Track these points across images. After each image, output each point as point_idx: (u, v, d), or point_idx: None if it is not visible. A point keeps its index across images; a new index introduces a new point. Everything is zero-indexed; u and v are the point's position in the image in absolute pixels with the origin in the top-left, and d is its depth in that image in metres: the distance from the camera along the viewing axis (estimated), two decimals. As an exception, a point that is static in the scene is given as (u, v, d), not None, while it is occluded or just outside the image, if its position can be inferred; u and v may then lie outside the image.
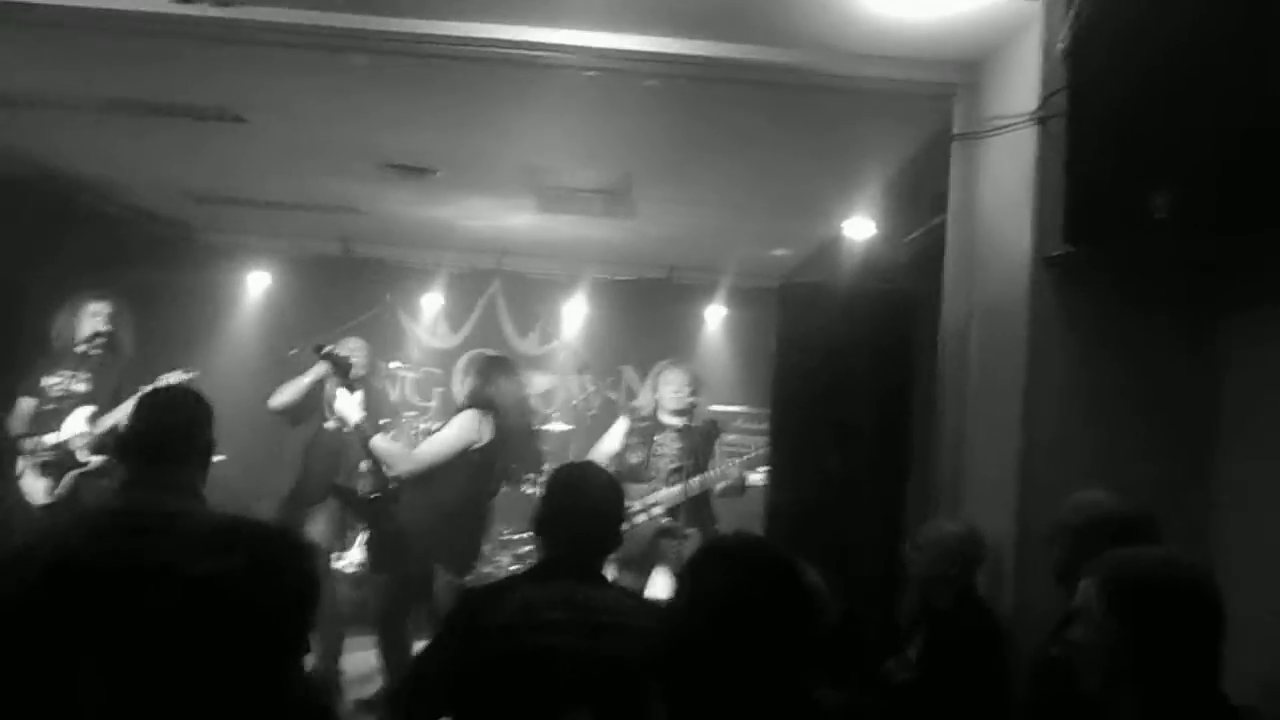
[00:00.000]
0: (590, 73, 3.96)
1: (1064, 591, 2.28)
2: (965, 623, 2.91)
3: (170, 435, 2.41)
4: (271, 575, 1.63)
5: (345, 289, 7.70)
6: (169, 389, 2.55)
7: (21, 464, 4.82)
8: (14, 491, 4.79)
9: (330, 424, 5.19)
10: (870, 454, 3.42)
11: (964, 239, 3.64)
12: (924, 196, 4.79)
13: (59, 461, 4.82)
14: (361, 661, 5.17)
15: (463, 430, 4.57)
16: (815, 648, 1.73)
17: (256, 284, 8.09)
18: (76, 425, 4.87)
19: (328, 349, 4.79)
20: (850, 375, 3.44)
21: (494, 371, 4.75)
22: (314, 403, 5.29)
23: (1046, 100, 3.01)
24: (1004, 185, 3.34)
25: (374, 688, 4.91)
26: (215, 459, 2.52)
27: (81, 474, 4.84)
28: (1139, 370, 3.03)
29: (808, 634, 1.67)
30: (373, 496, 4.83)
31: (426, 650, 2.43)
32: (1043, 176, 3.02)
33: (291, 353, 4.87)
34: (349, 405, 4.59)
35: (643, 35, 3.66)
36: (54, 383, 4.93)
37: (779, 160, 5.00)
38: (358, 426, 4.58)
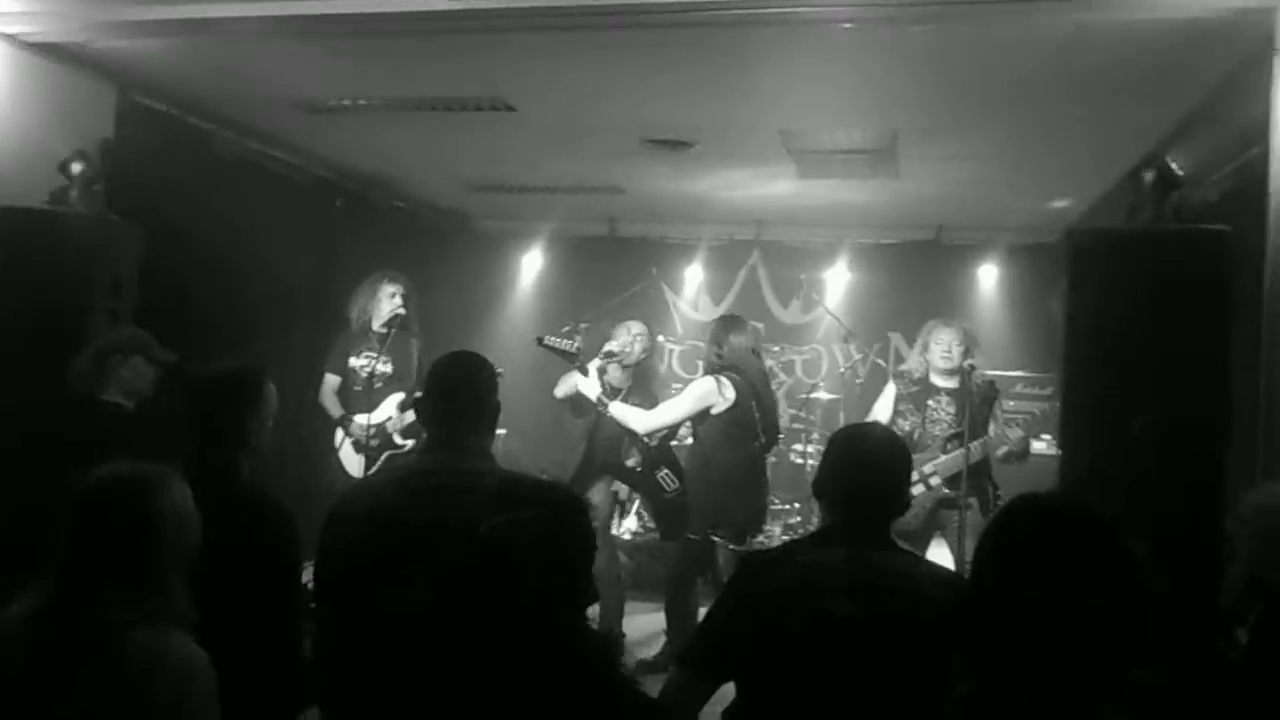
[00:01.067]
0: (848, 25, 3.82)
1: None
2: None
3: (460, 398, 2.54)
4: (565, 529, 1.72)
5: (612, 267, 7.95)
6: (457, 355, 2.68)
7: (340, 437, 5.32)
8: (336, 461, 5.30)
9: None
10: (1182, 415, 3.09)
11: (1290, 169, 3.21)
12: (1232, 129, 4.29)
13: (374, 442, 5.27)
14: (641, 625, 5.34)
15: (695, 396, 4.75)
16: (1136, 619, 1.57)
17: (530, 266, 8.51)
18: (388, 410, 5.32)
19: (547, 340, 4.96)
20: (1155, 328, 3.13)
21: (723, 333, 4.88)
22: None
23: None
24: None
25: (655, 650, 5.06)
26: (498, 433, 2.63)
27: (394, 455, 5.27)
28: None
29: (1129, 601, 1.52)
30: (639, 469, 5.05)
31: (710, 614, 2.44)
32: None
33: (550, 339, 4.97)
34: (585, 385, 4.86)
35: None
36: (361, 364, 5.36)
37: (1062, 103, 4.60)
38: (599, 399, 4.81)
